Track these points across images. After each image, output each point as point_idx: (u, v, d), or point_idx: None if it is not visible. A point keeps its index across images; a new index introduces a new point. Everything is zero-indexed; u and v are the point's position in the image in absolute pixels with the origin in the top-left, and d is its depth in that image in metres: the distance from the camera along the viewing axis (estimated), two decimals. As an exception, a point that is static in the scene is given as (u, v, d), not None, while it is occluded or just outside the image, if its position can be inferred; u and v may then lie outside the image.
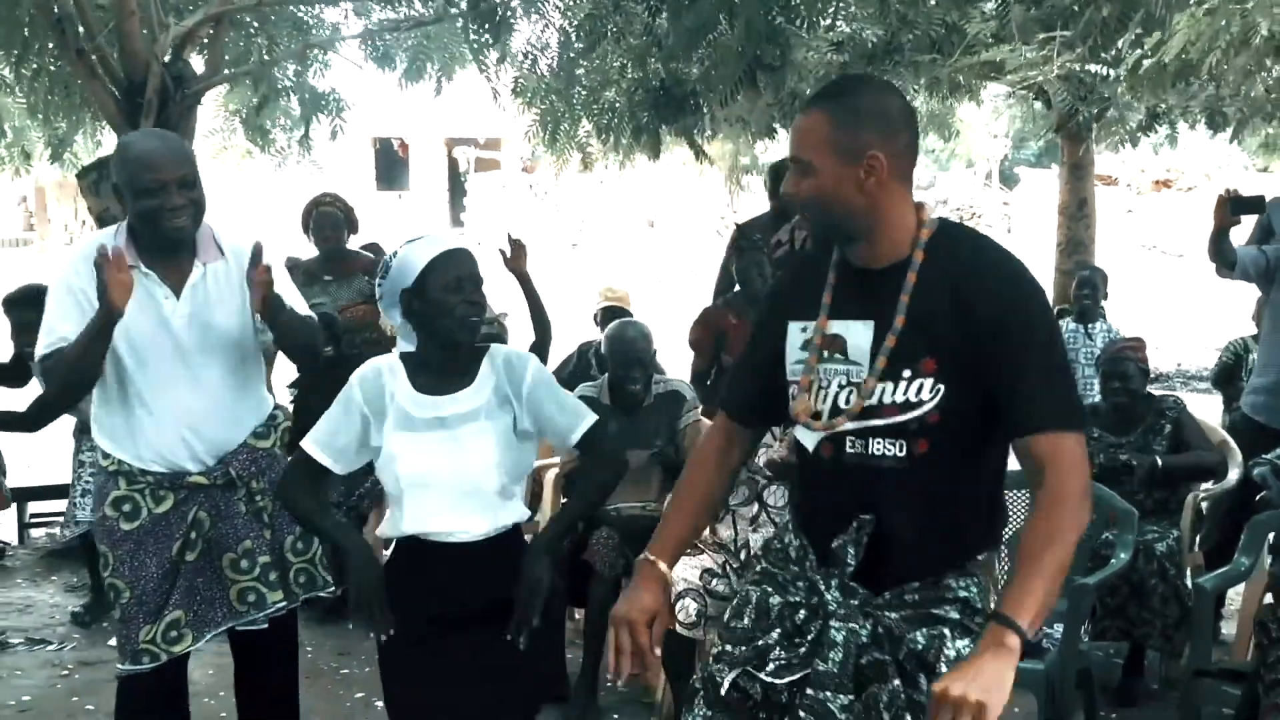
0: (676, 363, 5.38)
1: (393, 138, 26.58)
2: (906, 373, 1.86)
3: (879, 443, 1.89)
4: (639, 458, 4.03)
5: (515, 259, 4.50)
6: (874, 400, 1.88)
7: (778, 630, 2.01)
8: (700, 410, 4.29)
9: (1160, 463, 4.25)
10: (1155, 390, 4.85)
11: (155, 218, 2.67)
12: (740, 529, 3.78)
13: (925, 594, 1.90)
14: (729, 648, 2.06)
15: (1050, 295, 7.81)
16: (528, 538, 2.62)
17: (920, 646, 1.86)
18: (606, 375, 4.45)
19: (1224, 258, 4.63)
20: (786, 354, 2.02)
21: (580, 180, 20.69)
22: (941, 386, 1.84)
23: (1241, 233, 4.99)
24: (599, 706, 4.06)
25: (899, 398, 1.86)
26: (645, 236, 22.67)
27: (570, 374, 5.49)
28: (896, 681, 1.84)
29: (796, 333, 2.01)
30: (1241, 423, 4.78)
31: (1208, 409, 5.94)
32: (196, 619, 2.82)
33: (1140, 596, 4.05)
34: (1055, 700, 3.33)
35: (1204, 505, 4.48)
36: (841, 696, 1.88)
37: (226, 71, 6.30)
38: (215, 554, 2.84)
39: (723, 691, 2.03)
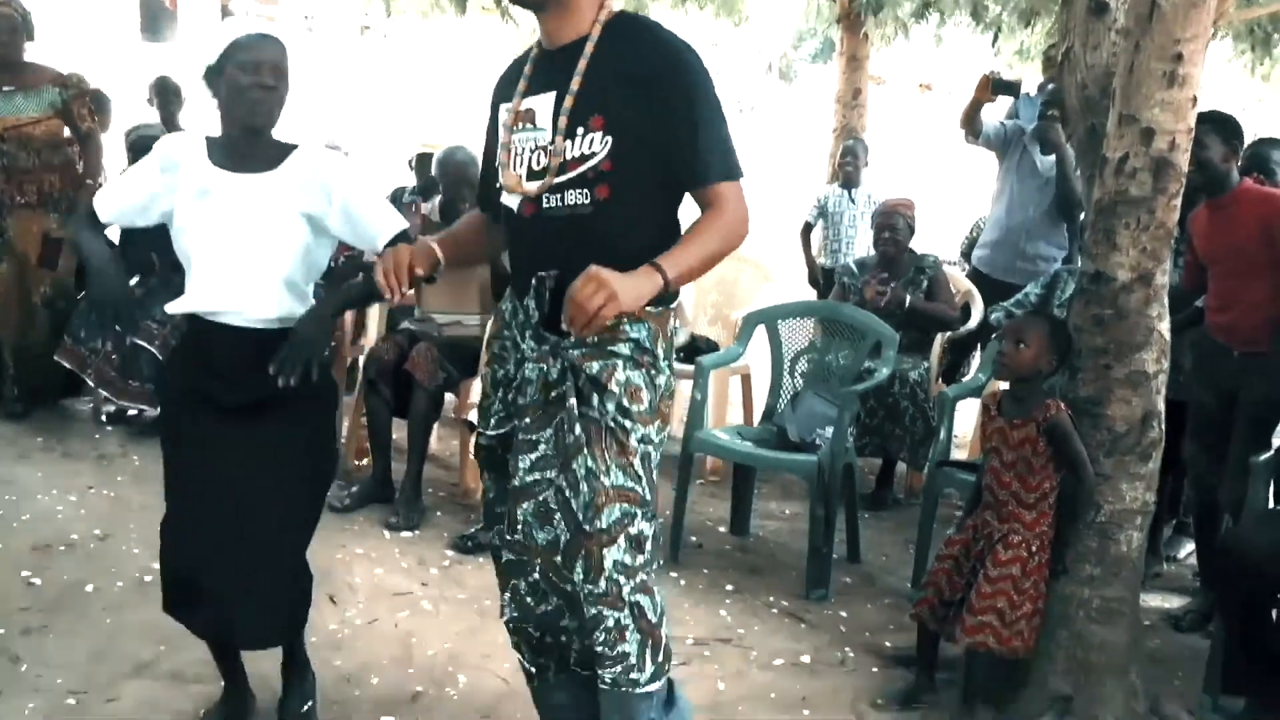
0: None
1: (160, -14, 24.86)
2: (580, 130, 2.18)
3: (570, 194, 2.19)
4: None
5: None
6: (560, 158, 2.20)
7: (501, 391, 2.41)
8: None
9: (909, 300, 4.87)
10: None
11: None
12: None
13: (603, 336, 2.23)
14: (483, 424, 2.47)
15: (827, 173, 8.46)
16: None
17: (595, 371, 2.22)
18: (438, 198, 4.68)
19: (973, 127, 5.54)
20: (499, 135, 2.34)
21: (365, 39, 20.05)
22: (610, 139, 2.17)
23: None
24: (423, 506, 4.35)
25: (576, 153, 2.19)
26: (433, 98, 22.27)
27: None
28: (572, 401, 2.21)
29: (503, 114, 2.33)
30: (971, 275, 5.62)
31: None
32: None
33: (894, 416, 4.70)
34: (825, 487, 3.90)
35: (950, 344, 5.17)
36: (537, 422, 2.26)
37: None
38: None
39: (479, 456, 2.44)
